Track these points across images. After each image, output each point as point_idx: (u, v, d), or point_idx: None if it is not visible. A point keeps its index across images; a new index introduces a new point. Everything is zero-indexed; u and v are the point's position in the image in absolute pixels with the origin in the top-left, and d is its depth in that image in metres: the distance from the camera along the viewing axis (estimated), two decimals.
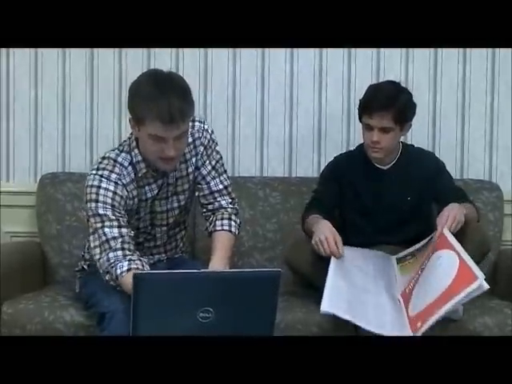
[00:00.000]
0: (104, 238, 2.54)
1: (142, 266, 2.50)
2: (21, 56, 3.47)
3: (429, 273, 2.63)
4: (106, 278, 2.53)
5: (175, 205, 2.78)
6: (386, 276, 2.83)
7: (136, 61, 3.44)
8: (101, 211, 2.56)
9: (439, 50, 3.49)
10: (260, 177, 3.46)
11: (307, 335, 2.75)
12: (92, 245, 2.58)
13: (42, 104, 3.50)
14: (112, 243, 2.53)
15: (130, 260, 2.50)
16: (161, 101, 2.45)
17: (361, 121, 2.98)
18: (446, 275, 2.55)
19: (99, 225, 2.56)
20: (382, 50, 3.48)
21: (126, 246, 2.54)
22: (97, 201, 2.58)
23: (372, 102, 2.92)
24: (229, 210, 2.81)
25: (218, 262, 2.63)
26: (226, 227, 2.76)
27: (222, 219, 2.78)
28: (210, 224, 2.79)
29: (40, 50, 3.46)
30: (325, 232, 2.76)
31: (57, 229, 3.29)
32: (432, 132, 3.53)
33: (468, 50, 3.49)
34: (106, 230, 2.55)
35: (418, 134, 3.49)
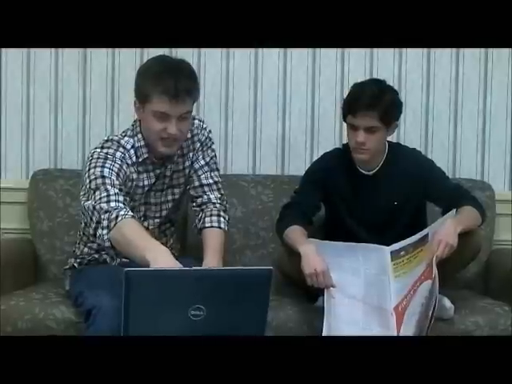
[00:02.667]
0: (105, 194, 2.50)
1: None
2: (13, 53, 3.45)
3: (417, 302, 2.63)
4: (103, 218, 2.46)
5: (169, 198, 2.81)
6: (376, 285, 2.78)
7: (129, 59, 3.43)
8: (106, 174, 2.55)
9: (432, 49, 3.49)
10: (252, 175, 3.46)
11: (299, 333, 2.76)
12: (91, 204, 2.50)
13: (35, 101, 3.49)
14: (113, 197, 2.50)
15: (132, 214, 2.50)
16: (168, 78, 2.53)
17: (345, 121, 2.89)
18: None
19: (100, 185, 2.52)
20: (375, 49, 3.48)
21: (126, 202, 2.54)
22: (103, 166, 2.56)
23: (356, 102, 2.83)
24: (217, 205, 2.83)
25: (211, 260, 2.64)
26: (216, 224, 2.78)
27: (211, 215, 2.79)
28: (199, 221, 2.81)
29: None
30: (316, 265, 2.70)
31: (48, 225, 3.29)
32: (424, 131, 3.53)
33: (461, 49, 3.49)
34: (109, 187, 2.52)
35: (410, 134, 3.51)
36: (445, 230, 2.68)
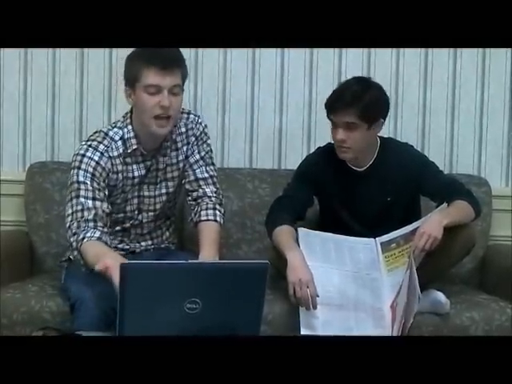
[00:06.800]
0: (79, 207, 2.62)
1: (108, 243, 2.61)
2: None
3: (401, 295, 2.63)
4: (72, 241, 2.61)
5: (163, 191, 2.81)
6: (369, 286, 2.77)
7: (126, 51, 3.41)
8: (80, 178, 2.65)
9: None
10: (249, 169, 3.47)
11: (294, 328, 2.75)
12: (67, 212, 2.66)
13: (32, 93, 3.49)
14: (85, 213, 2.61)
15: (101, 232, 2.60)
16: (156, 51, 2.59)
17: (329, 118, 2.87)
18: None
19: (75, 193, 2.65)
20: None
21: (97, 218, 2.62)
22: (79, 168, 2.66)
23: (337, 100, 2.82)
24: (213, 199, 2.84)
25: (208, 254, 2.66)
26: (211, 217, 2.79)
27: (207, 209, 2.81)
28: (195, 214, 2.83)
29: None
30: (301, 275, 2.67)
31: (45, 218, 3.29)
32: (422, 127, 3.53)
33: None
34: (82, 199, 2.63)
35: (407, 129, 3.50)
36: (428, 222, 2.68)
